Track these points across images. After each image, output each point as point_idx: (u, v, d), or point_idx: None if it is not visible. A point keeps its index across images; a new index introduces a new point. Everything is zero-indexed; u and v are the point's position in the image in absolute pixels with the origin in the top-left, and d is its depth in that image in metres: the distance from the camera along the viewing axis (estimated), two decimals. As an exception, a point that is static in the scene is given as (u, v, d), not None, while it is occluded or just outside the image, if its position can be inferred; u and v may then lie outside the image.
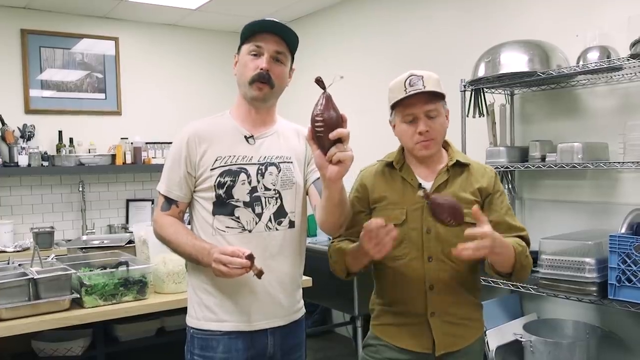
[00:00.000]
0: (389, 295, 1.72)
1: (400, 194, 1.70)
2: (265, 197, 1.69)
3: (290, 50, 1.72)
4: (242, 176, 1.68)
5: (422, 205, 1.66)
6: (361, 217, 1.76)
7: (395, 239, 1.49)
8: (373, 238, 1.48)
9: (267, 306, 1.70)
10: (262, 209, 1.69)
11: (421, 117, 1.64)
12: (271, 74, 1.66)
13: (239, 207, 1.67)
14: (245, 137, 1.73)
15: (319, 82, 1.43)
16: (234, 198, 1.67)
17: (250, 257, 1.53)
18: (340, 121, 1.42)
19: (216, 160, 1.68)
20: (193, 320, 1.73)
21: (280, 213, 1.71)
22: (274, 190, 1.71)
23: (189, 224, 1.80)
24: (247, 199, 1.68)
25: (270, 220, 1.70)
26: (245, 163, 1.69)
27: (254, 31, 1.67)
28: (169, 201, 1.72)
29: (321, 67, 4.65)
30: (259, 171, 1.70)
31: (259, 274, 1.56)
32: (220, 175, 1.67)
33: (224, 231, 1.67)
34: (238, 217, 1.67)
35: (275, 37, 1.67)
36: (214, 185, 1.67)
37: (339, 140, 1.41)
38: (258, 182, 1.69)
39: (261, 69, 1.65)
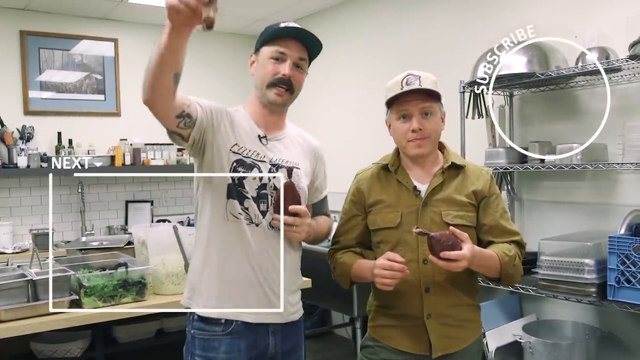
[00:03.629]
0: (385, 297, 1.71)
1: (396, 197, 1.70)
2: (271, 197, 1.69)
3: (310, 57, 1.74)
4: (255, 171, 1.68)
5: (417, 208, 1.67)
6: (357, 221, 1.77)
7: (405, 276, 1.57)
8: (387, 269, 1.55)
9: (265, 305, 1.69)
10: (267, 207, 1.69)
11: (415, 115, 1.64)
12: (292, 80, 1.68)
13: (248, 199, 1.67)
14: (259, 136, 1.73)
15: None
16: (245, 189, 1.67)
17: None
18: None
19: (235, 144, 1.68)
20: (192, 303, 1.71)
21: None
22: None
23: (196, 217, 1.77)
24: (255, 194, 1.68)
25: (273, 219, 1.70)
26: (259, 160, 1.70)
27: (277, 35, 1.67)
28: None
29: (321, 67, 4.64)
30: (271, 171, 1.70)
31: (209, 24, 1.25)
32: (236, 162, 1.67)
33: (237, 218, 1.66)
34: (247, 209, 1.67)
35: (299, 43, 1.68)
36: (230, 169, 1.66)
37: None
38: (269, 180, 1.69)
39: (283, 75, 1.66)
